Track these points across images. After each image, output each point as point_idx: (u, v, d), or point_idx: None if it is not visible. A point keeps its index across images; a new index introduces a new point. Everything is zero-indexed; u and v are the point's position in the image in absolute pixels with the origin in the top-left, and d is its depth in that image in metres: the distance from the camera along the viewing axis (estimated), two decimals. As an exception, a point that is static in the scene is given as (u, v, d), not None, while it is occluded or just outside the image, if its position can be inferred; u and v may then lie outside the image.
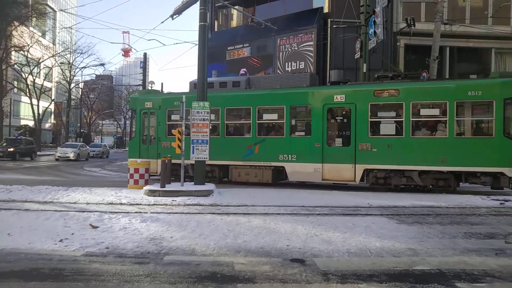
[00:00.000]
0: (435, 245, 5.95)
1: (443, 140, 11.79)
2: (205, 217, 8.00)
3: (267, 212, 8.62)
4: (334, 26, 19.99)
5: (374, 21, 15.86)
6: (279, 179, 14.00)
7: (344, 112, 12.96)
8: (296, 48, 22.44)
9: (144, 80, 29.17)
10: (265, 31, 20.28)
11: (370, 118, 12.40)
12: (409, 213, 8.70)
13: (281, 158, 13.36)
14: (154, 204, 9.52)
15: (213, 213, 8.42)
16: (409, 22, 15.71)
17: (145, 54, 29.07)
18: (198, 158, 11.71)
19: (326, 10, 22.50)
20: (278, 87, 14.02)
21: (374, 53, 16.59)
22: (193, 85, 14.87)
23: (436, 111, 12.14)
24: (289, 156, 13.25)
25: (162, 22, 31.48)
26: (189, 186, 11.42)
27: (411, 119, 12.00)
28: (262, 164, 13.68)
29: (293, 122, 13.70)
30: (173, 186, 11.39)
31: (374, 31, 15.88)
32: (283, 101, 13.52)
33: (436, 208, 9.37)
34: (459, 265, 4.98)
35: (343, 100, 12.76)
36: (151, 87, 39.50)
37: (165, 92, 15.51)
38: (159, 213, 8.37)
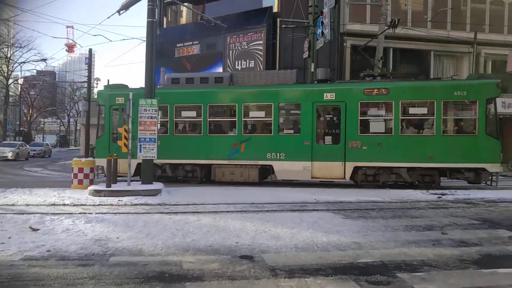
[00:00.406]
0: (378, 238, 6.19)
1: (430, 138, 12.32)
2: (152, 216, 7.84)
3: (216, 210, 8.61)
4: (283, 26, 20.26)
5: (322, 22, 16.24)
6: (264, 178, 13.77)
7: (334, 110, 13.05)
8: (246, 47, 22.51)
9: (89, 76, 27.98)
10: (215, 29, 20.16)
11: (360, 116, 12.60)
12: (354, 208, 9.01)
13: (269, 156, 13.11)
14: (99, 205, 9.22)
15: (161, 213, 8.28)
16: (394, 23, 16.08)
17: (90, 50, 27.85)
18: (145, 156, 11.44)
19: (275, 9, 22.76)
20: (264, 84, 13.69)
21: (359, 55, 16.61)
22: (170, 80, 14.48)
23: (424, 110, 12.61)
24: (278, 154, 13.04)
25: (108, 17, 30.43)
26: (136, 185, 11.14)
27: (401, 117, 12.39)
28: (248, 163, 13.30)
29: (282, 120, 13.51)
30: (120, 186, 11.08)
31: (322, 32, 16.26)
32: (271, 99, 13.27)
33: (379, 202, 9.78)
34: (400, 257, 5.22)
35: (333, 98, 12.80)
36: (97, 83, 38.04)
37: (138, 87, 14.67)
38: (105, 213, 8.11)
